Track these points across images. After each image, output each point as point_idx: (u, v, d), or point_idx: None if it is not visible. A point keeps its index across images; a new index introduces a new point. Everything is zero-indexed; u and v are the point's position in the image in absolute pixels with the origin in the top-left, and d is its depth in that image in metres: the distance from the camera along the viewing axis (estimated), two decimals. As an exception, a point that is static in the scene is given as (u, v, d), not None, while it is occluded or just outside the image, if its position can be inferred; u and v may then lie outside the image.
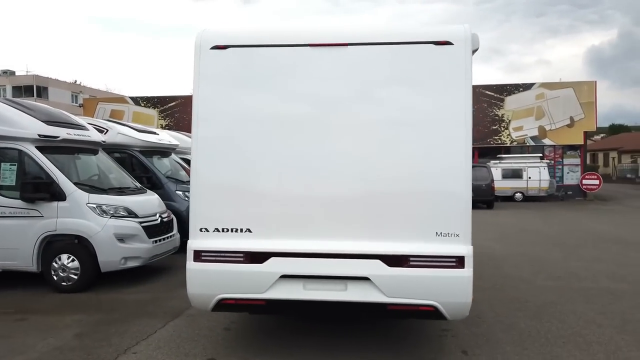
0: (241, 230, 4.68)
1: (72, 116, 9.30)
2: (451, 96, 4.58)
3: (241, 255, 4.60)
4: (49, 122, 8.15)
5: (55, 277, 7.70)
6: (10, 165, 7.81)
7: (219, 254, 4.64)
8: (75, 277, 7.68)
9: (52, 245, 7.76)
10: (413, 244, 4.51)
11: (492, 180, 22.04)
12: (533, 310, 6.61)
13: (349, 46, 4.69)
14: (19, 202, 7.66)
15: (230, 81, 4.78)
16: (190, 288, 4.71)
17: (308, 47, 4.70)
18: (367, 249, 4.51)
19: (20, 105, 8.23)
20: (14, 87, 54.61)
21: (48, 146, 7.96)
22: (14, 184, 7.73)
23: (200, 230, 4.72)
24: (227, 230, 4.69)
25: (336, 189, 4.63)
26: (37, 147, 7.80)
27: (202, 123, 4.78)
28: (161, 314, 6.38)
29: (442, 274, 4.46)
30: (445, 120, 4.59)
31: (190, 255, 4.68)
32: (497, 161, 25.80)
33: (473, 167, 21.60)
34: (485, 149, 27.74)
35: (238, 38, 4.80)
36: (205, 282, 4.69)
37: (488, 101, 27.42)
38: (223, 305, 4.71)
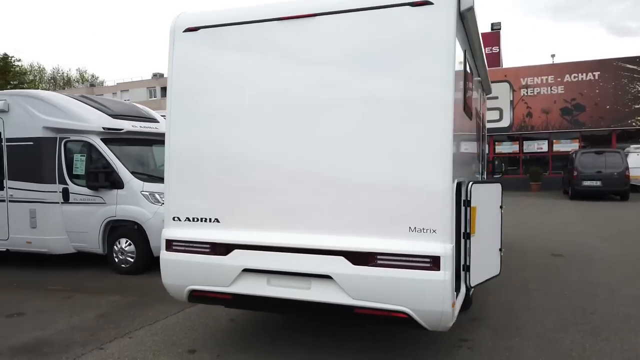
0: (210, 220, 4.50)
1: (145, 109, 9.93)
2: (429, 69, 3.87)
3: (207, 246, 4.43)
4: (116, 116, 8.79)
5: (116, 260, 8.30)
6: (81, 156, 8.56)
7: (188, 244, 4.51)
8: (132, 260, 8.20)
9: (115, 229, 8.37)
10: (382, 239, 3.92)
11: (627, 168, 18.98)
12: (594, 325, 5.45)
13: (316, 17, 4.20)
14: (86, 190, 8.37)
15: (201, 66, 4.59)
16: (164, 278, 4.65)
17: (275, 21, 4.32)
18: (329, 244, 4.03)
19: (91, 100, 9.00)
20: (162, 88, 60.88)
21: (112, 138, 8.58)
22: (83, 173, 8.47)
23: (173, 219, 4.64)
24: (197, 220, 4.54)
25: (302, 177, 4.21)
26: (102, 139, 8.44)
27: (174, 110, 4.67)
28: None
29: (413, 276, 3.81)
30: (421, 98, 3.89)
31: (162, 244, 4.63)
32: (639, 145, 22.18)
33: (602, 152, 19.10)
34: (625, 132, 24.06)
35: (208, 18, 4.58)
36: (176, 272, 4.60)
37: (629, 76, 23.65)
38: (196, 297, 4.58)
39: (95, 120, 8.51)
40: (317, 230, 4.11)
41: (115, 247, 8.31)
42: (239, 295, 4.36)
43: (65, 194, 8.51)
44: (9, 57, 38.20)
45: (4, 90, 11.24)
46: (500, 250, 5.59)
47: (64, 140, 8.56)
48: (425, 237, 3.82)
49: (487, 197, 5.31)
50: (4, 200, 8.80)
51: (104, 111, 8.73)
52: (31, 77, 52.85)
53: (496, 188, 5.55)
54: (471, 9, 4.03)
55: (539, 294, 6.66)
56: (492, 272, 5.52)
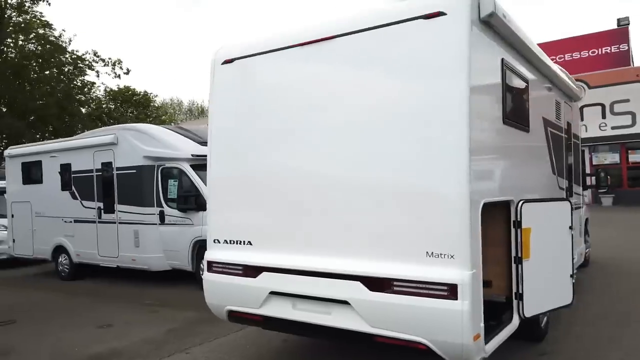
0: (243, 243, 4.64)
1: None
2: (444, 83, 3.66)
3: (240, 268, 4.57)
4: (204, 143, 9.47)
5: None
6: (174, 181, 9.35)
7: (224, 266, 4.70)
8: (216, 278, 8.69)
9: (202, 248, 8.96)
10: (398, 264, 3.74)
11: None
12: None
13: (334, 39, 4.19)
14: (178, 212, 9.11)
15: (237, 95, 4.82)
16: (207, 298, 4.88)
17: (297, 47, 4.39)
18: (346, 268, 3.94)
19: (182, 130, 9.83)
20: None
21: (200, 164, 9.25)
22: (176, 196, 9.23)
23: (214, 241, 4.87)
24: (233, 242, 4.71)
25: (324, 200, 4.19)
26: (191, 165, 9.15)
27: (214, 138, 4.94)
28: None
29: (430, 304, 3.57)
30: (436, 115, 3.67)
31: (205, 265, 4.87)
32: None
33: None
34: None
35: (241, 49, 4.80)
36: (215, 292, 4.80)
37: None
38: (234, 317, 4.74)
39: (184, 148, 9.26)
40: (336, 254, 4.04)
41: (201, 264, 8.88)
42: (267, 317, 4.42)
43: (162, 216, 9.33)
44: (148, 93, 43.15)
45: (114, 126, 12.70)
46: (572, 276, 4.98)
47: (160, 167, 9.43)
48: (442, 263, 3.56)
49: (548, 217, 4.81)
50: (114, 222, 9.90)
51: (192, 139, 9.48)
52: (171, 110, 58.91)
53: (562, 207, 5.01)
54: (493, 15, 3.72)
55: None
56: (560, 302, 4.95)
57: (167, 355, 5.48)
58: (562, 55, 25.57)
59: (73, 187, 10.62)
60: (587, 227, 9.50)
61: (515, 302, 4.45)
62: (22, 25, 28.29)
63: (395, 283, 3.71)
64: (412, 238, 3.72)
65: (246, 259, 4.53)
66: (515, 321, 4.44)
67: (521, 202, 4.44)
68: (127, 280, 10.02)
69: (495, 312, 4.53)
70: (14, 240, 12.08)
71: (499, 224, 4.55)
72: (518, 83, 4.73)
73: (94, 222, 10.22)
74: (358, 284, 3.86)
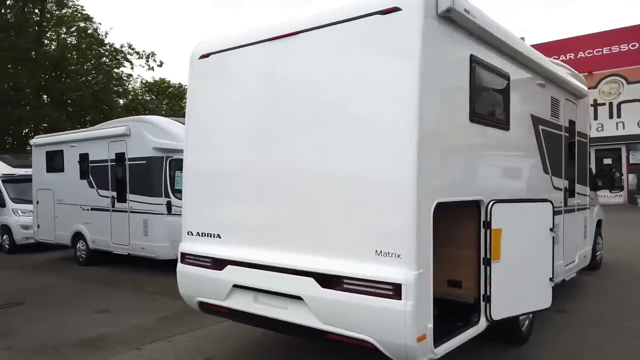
0: (213, 236, 4.72)
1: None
2: (395, 79, 3.60)
3: (209, 260, 4.65)
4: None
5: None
6: (180, 172, 9.52)
7: (195, 258, 4.79)
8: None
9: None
10: (349, 262, 3.72)
11: None
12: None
13: (299, 34, 4.19)
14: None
15: (210, 89, 4.89)
16: (180, 289, 5.00)
17: (267, 42, 4.40)
18: (302, 265, 3.95)
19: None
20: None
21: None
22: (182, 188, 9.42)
23: (187, 233, 4.97)
24: (205, 235, 4.80)
25: (283, 196, 4.22)
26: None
27: (190, 132, 5.04)
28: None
29: (375, 303, 3.55)
30: (386, 112, 3.63)
31: (178, 257, 4.98)
32: None
33: None
34: None
35: (216, 45, 4.85)
36: (187, 283, 4.91)
37: None
38: (204, 308, 4.83)
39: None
40: (294, 249, 4.06)
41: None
42: (232, 309, 4.49)
43: (169, 206, 9.57)
44: (182, 85, 43.98)
45: (128, 117, 13.04)
46: (551, 279, 4.85)
47: (168, 159, 9.65)
48: (390, 262, 3.53)
49: (525, 218, 4.68)
50: (126, 211, 10.22)
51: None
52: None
53: (542, 208, 4.86)
54: (451, 10, 3.63)
55: (629, 335, 5.56)
56: (537, 305, 4.83)
57: (150, 342, 5.64)
58: (599, 49, 24.47)
59: (90, 176, 11.02)
60: (599, 229, 9.14)
61: (482, 304, 4.37)
62: (65, 18, 29.34)
63: (345, 281, 3.71)
64: (363, 236, 3.70)
65: (214, 252, 4.61)
66: (482, 323, 4.36)
67: (492, 203, 4.34)
68: (137, 268, 10.33)
69: (466, 313, 4.47)
70: (38, 226, 12.66)
71: (471, 224, 4.46)
72: (494, 80, 4.60)
73: (108, 210, 10.58)
74: (311, 280, 3.87)
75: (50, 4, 26.98)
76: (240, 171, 4.55)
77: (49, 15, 27.33)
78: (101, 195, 10.78)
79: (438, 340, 3.77)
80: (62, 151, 11.81)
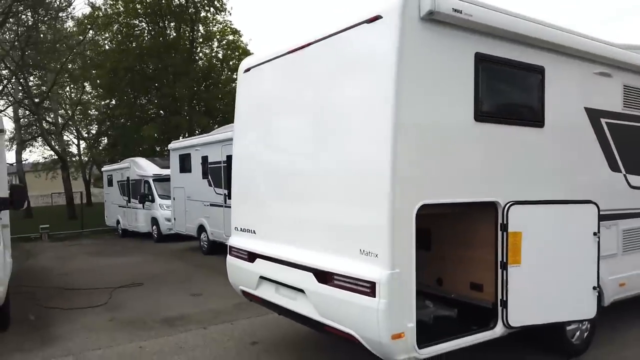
0: (250, 231, 5.25)
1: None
2: (376, 84, 3.74)
3: (245, 253, 5.19)
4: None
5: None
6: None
7: (237, 250, 5.37)
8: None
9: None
10: (340, 259, 3.96)
11: None
12: None
13: (308, 47, 4.51)
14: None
15: (250, 99, 5.42)
16: (229, 278, 5.62)
17: (288, 54, 4.79)
18: (305, 260, 4.27)
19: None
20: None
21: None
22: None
23: (234, 229, 5.57)
24: (245, 230, 5.36)
25: (295, 195, 4.61)
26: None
27: (236, 138, 5.63)
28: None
29: (357, 300, 3.74)
30: (370, 115, 3.80)
31: (228, 249, 5.61)
32: None
33: None
34: None
35: (255, 59, 5.36)
36: (232, 273, 5.52)
37: None
38: (246, 295, 5.38)
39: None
40: (302, 245, 4.39)
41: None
42: (261, 298, 4.97)
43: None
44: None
45: None
46: (595, 288, 4.49)
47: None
48: (369, 261, 3.69)
49: (557, 222, 4.40)
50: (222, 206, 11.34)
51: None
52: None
53: (583, 210, 4.50)
54: (434, 13, 3.63)
55: None
56: (574, 315, 4.52)
57: (216, 323, 6.40)
58: None
59: (209, 176, 12.42)
60: None
61: (500, 309, 4.23)
62: (217, 34, 32.63)
63: (335, 277, 3.94)
64: (351, 235, 3.89)
65: (249, 246, 5.13)
66: (498, 329, 4.22)
67: (509, 204, 4.18)
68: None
69: (486, 317, 4.36)
70: (174, 219, 14.59)
71: (490, 226, 4.33)
72: (517, 75, 4.39)
73: (222, 206, 11.84)
74: (311, 275, 4.17)
75: (198, 23, 30.23)
76: (265, 172, 5.03)
77: (199, 34, 30.67)
78: (217, 193, 12.09)
79: (429, 340, 3.81)
80: (189, 154, 13.47)
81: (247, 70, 5.43)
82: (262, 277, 4.89)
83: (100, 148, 34.08)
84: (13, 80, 27.46)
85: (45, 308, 7.54)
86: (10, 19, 24.69)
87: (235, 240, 5.46)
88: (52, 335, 6.18)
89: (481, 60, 4.05)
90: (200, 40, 30.79)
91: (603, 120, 5.16)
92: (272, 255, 4.71)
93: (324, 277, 4.04)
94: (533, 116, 4.50)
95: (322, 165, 4.26)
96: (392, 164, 3.56)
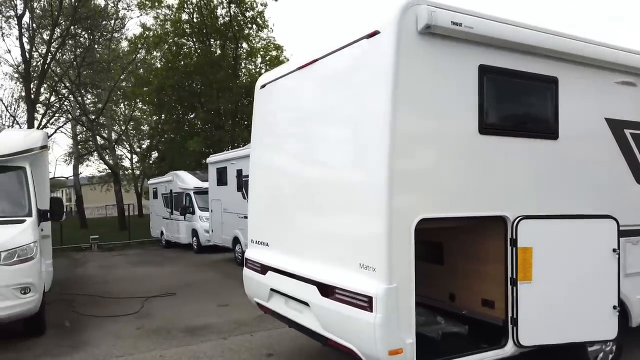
0: (264, 244, 5.34)
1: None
2: (375, 98, 3.77)
3: (259, 265, 5.27)
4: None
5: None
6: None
7: (252, 263, 5.46)
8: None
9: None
10: (342, 273, 3.97)
11: None
12: None
13: (316, 62, 4.58)
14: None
15: (265, 115, 5.54)
16: (245, 289, 5.71)
17: (297, 71, 4.88)
18: (309, 273, 4.31)
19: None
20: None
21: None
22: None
23: (251, 241, 5.67)
24: (259, 243, 5.45)
25: (301, 208, 4.70)
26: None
27: (253, 155, 5.76)
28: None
29: (354, 314, 3.74)
30: (368, 130, 3.84)
31: (244, 261, 5.71)
32: None
33: None
34: None
35: (270, 76, 5.49)
36: (248, 285, 5.61)
37: None
38: (261, 307, 5.45)
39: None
40: (308, 259, 4.44)
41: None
42: (273, 310, 5.02)
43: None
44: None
45: None
46: (615, 307, 4.29)
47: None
48: (368, 275, 3.68)
49: (572, 237, 4.25)
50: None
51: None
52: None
53: (601, 225, 4.33)
54: (431, 27, 3.63)
55: None
56: (593, 335, 4.33)
57: (237, 334, 6.50)
58: None
59: (243, 189, 12.66)
60: None
61: (510, 327, 4.11)
62: (261, 50, 33.39)
63: (336, 290, 3.95)
64: (352, 249, 3.90)
65: (262, 258, 5.21)
66: (509, 348, 4.10)
67: (518, 219, 4.07)
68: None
69: (498, 335, 4.24)
70: (212, 230, 14.94)
71: (500, 241, 4.23)
72: (527, 87, 4.29)
73: (255, 219, 12.02)
74: (314, 288, 4.19)
75: (242, 40, 31.02)
76: (277, 185, 5.12)
77: (243, 50, 31.46)
78: (251, 206, 12.29)
79: (433, 358, 3.75)
80: (225, 167, 13.80)
81: (263, 86, 5.56)
82: (272, 290, 4.94)
83: (150, 162, 35.38)
84: (71, 98, 29.11)
85: (81, 315, 7.88)
86: (70, 41, 26.30)
87: (251, 253, 5.55)
88: (81, 341, 6.47)
89: (485, 71, 4.00)
90: (244, 56, 31.55)
91: (627, 131, 4.94)
92: (281, 267, 4.76)
93: (326, 290, 4.06)
94: (546, 128, 4.37)
95: (326, 179, 4.30)
96: (389, 177, 3.55)
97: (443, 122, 3.87)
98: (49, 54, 23.46)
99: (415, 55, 3.69)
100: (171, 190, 18.63)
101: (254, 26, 29.81)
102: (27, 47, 23.02)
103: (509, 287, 4.11)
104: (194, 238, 17.02)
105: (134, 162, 42.86)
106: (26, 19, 23.29)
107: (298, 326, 4.60)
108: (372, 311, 3.55)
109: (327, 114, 4.37)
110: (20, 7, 22.80)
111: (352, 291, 3.76)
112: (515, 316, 4.06)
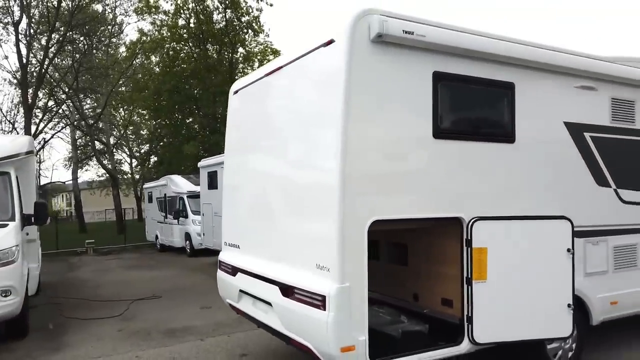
0: (235, 246, 5.47)
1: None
2: (328, 105, 3.90)
3: (230, 267, 5.40)
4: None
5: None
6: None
7: (225, 265, 5.60)
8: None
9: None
10: (301, 274, 4.10)
11: None
12: None
13: (281, 69, 4.72)
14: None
15: (236, 120, 5.70)
16: (219, 291, 5.84)
17: (266, 77, 5.02)
18: (272, 274, 4.44)
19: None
20: None
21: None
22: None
23: (224, 243, 5.81)
24: (232, 245, 5.58)
25: (265, 212, 4.84)
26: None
27: (226, 157, 5.91)
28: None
29: (312, 313, 3.86)
30: (321, 136, 3.99)
31: (218, 263, 5.85)
32: None
33: None
34: None
35: (243, 82, 5.63)
36: (220, 287, 5.75)
37: None
38: (233, 309, 5.57)
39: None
40: (269, 259, 4.58)
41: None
42: (243, 312, 5.15)
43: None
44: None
45: None
46: (570, 306, 4.41)
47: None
48: (323, 275, 3.81)
49: (526, 238, 4.36)
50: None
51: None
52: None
53: (555, 226, 4.45)
54: (383, 35, 3.77)
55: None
56: (548, 333, 4.44)
57: (215, 335, 6.63)
58: None
59: (233, 193, 12.80)
60: None
61: (466, 325, 4.23)
62: (258, 55, 33.57)
63: (295, 290, 4.07)
64: (309, 251, 4.02)
65: (233, 260, 5.35)
66: (464, 345, 4.22)
67: (473, 220, 4.20)
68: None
69: (456, 333, 4.36)
70: (203, 234, 15.07)
71: (457, 242, 4.36)
72: (483, 92, 4.42)
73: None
74: (277, 288, 4.32)
75: (238, 44, 31.21)
76: (245, 189, 5.29)
77: (239, 55, 31.66)
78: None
79: (386, 354, 3.87)
80: (216, 171, 13.93)
81: (236, 92, 5.71)
82: (241, 291, 5.07)
83: (149, 166, 35.58)
84: (69, 103, 29.32)
85: (66, 318, 8.01)
86: (68, 47, 26.53)
87: (224, 255, 5.68)
88: (63, 343, 6.60)
89: (440, 78, 4.13)
90: (241, 60, 31.74)
91: (587, 135, 5.06)
92: (249, 269, 4.89)
93: (287, 291, 4.18)
94: (502, 132, 4.50)
95: (287, 182, 4.45)
96: (341, 180, 3.68)
97: (397, 126, 4.00)
98: (47, 59, 23.65)
99: (368, 62, 3.82)
100: (165, 195, 18.79)
101: (250, 31, 30.00)
102: (24, 52, 23.22)
103: (465, 286, 4.23)
104: (187, 242, 17.17)
105: (133, 166, 43.09)
106: (23, 25, 23.53)
107: (265, 326, 4.72)
108: (325, 310, 3.68)
109: (289, 119, 4.52)
110: (17, 14, 23.05)
111: (308, 291, 3.88)
112: (470, 314, 4.18)
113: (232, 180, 5.70)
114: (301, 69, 4.39)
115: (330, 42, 3.93)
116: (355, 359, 3.69)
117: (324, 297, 3.69)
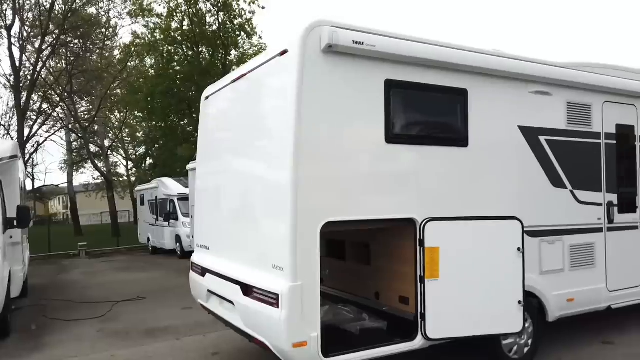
0: (205, 247, 5.66)
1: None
2: (281, 111, 4.10)
3: (200, 268, 5.58)
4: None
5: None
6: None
7: (196, 266, 5.78)
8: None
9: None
10: (258, 273, 4.28)
11: None
12: None
13: (244, 76, 4.92)
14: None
15: (207, 125, 5.88)
16: (191, 291, 6.02)
17: (231, 84, 5.21)
18: (234, 274, 4.62)
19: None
20: None
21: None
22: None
23: (197, 245, 5.99)
24: (202, 246, 5.77)
25: (229, 214, 5.08)
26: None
27: (198, 162, 6.09)
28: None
29: (267, 311, 4.05)
30: (276, 139, 4.18)
31: (190, 265, 6.02)
32: None
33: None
34: None
35: (212, 88, 5.82)
36: (192, 287, 5.92)
37: None
38: (204, 309, 5.75)
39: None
40: (232, 260, 4.78)
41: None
42: (212, 311, 5.33)
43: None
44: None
45: None
46: (520, 302, 4.60)
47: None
48: (278, 274, 3.99)
49: (478, 237, 4.56)
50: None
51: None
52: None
53: (506, 226, 4.64)
54: (333, 46, 3.95)
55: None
56: (499, 329, 4.63)
57: (190, 335, 6.80)
58: None
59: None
60: None
61: (419, 321, 4.41)
62: (252, 57, 33.75)
63: (254, 289, 4.26)
64: (267, 251, 4.21)
65: (202, 261, 5.53)
66: (417, 341, 4.40)
67: (425, 221, 4.38)
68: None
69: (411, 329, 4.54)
70: (193, 236, 15.23)
71: (412, 242, 4.54)
72: (435, 99, 4.61)
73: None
74: (238, 288, 4.51)
75: (231, 47, 31.40)
76: (214, 191, 5.49)
77: (232, 57, 31.83)
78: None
79: (339, 350, 4.05)
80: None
81: (207, 98, 5.90)
82: (209, 291, 5.26)
83: (145, 168, 35.76)
84: (63, 105, 29.47)
85: (49, 319, 8.18)
86: (61, 50, 26.69)
87: (195, 256, 5.87)
88: (43, 343, 6.77)
89: (392, 85, 4.32)
90: (235, 62, 31.91)
91: (543, 138, 5.25)
92: (215, 269, 5.07)
93: (247, 290, 4.37)
94: (456, 137, 4.69)
95: (248, 184, 4.66)
96: (294, 183, 3.87)
97: (350, 131, 4.19)
98: (39, 62, 23.81)
99: (320, 71, 4.01)
100: (156, 197, 18.97)
101: (242, 33, 30.19)
102: (17, 56, 23.40)
103: (419, 284, 4.42)
104: (178, 244, 17.34)
105: (129, 168, 43.28)
106: (16, 28, 23.69)
107: (230, 325, 4.90)
108: (279, 307, 3.86)
109: (249, 124, 4.71)
110: (9, 18, 23.21)
111: (265, 290, 4.07)
112: (423, 311, 4.36)
113: (202, 184, 5.90)
114: (260, 77, 4.58)
115: (285, 52, 4.12)
116: (308, 355, 3.88)
117: (277, 295, 3.88)
